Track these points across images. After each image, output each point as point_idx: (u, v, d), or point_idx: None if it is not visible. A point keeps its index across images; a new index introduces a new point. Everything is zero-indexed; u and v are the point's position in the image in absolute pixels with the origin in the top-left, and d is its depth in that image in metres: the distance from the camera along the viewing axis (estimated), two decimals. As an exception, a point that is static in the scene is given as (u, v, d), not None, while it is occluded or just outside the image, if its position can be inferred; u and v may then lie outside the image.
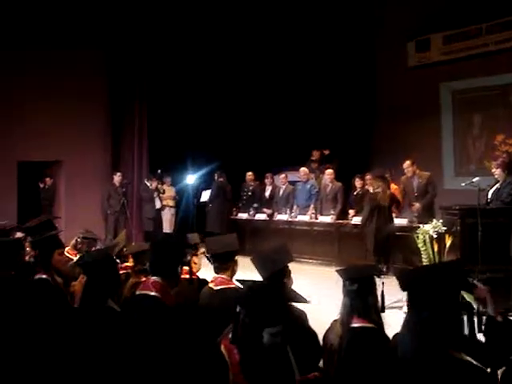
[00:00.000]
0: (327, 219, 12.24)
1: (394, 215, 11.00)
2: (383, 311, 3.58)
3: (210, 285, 4.77)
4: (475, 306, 3.18)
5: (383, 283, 3.66)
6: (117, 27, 14.28)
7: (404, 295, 7.37)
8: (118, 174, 14.16)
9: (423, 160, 12.10)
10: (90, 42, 14.05)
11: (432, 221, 8.43)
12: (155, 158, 14.91)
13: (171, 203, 15.06)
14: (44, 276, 4.56)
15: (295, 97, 15.57)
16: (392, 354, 3.08)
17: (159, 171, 14.83)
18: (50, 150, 13.79)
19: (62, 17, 13.37)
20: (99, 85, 14.57)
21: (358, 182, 12.30)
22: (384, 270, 10.13)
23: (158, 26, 14.36)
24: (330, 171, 12.69)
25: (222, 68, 15.44)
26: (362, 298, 3.57)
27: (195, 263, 5.09)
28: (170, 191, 15.08)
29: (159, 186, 14.72)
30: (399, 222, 10.88)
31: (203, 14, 14.64)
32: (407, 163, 10.86)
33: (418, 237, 8.35)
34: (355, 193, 12.34)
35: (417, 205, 10.78)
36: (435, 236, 8.17)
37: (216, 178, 14.33)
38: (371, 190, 10.94)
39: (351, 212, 12.05)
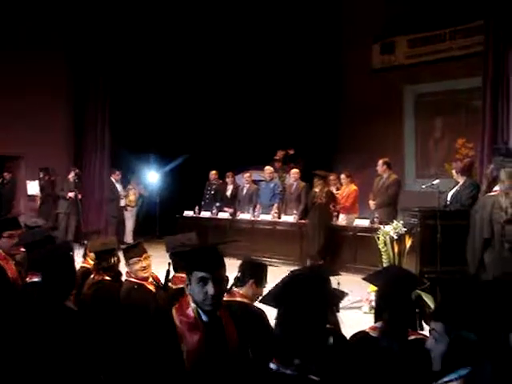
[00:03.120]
0: (290, 219, 12.28)
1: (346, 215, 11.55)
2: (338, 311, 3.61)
3: (170, 284, 4.79)
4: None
5: (339, 283, 3.71)
6: (78, 21, 14.22)
7: (363, 295, 7.54)
8: (77, 170, 14.08)
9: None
10: (51, 36, 13.97)
11: (393, 222, 8.53)
12: (117, 153, 14.80)
13: (133, 203, 15.00)
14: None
15: (260, 95, 15.62)
16: (352, 353, 3.16)
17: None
18: (9, 144, 13.59)
19: (22, 15, 13.30)
20: (62, 79, 14.52)
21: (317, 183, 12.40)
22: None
23: (120, 18, 14.24)
24: (295, 170, 12.72)
25: (185, 63, 15.42)
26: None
27: (144, 268, 5.00)
28: (134, 193, 15.02)
29: (129, 190, 14.70)
30: (361, 222, 11.06)
31: (168, 4, 14.58)
32: (380, 162, 11.03)
33: (378, 238, 8.46)
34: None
35: (370, 202, 11.04)
36: (396, 237, 8.27)
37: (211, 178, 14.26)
38: (315, 189, 11.39)
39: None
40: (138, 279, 4.96)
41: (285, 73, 15.44)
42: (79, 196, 13.99)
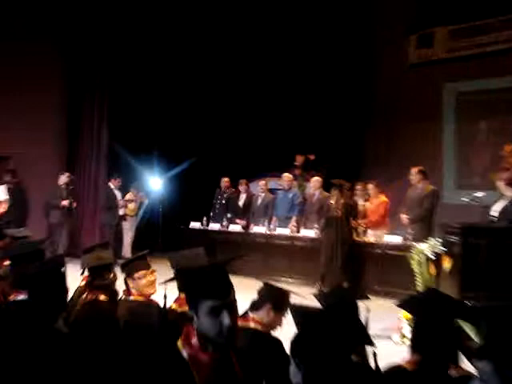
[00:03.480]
0: (311, 233, 12.23)
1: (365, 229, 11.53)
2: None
3: (174, 306, 4.76)
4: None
5: (368, 310, 3.66)
6: (73, 16, 14.41)
7: (391, 321, 7.48)
8: (66, 174, 14.11)
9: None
10: (45, 32, 14.14)
11: (429, 239, 8.45)
12: (116, 156, 14.87)
13: (133, 213, 15.02)
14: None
15: (278, 93, 15.66)
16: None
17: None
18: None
19: (16, 7, 13.45)
20: (55, 76, 14.66)
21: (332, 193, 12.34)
22: (321, 287, 10.75)
23: (120, 9, 14.43)
24: (316, 179, 12.66)
25: (193, 59, 15.53)
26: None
27: (151, 283, 4.96)
28: (134, 201, 15.05)
29: (130, 196, 14.72)
30: (391, 239, 10.97)
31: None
32: (413, 170, 10.96)
33: (412, 257, 8.38)
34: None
35: (402, 216, 10.96)
36: (432, 257, 8.19)
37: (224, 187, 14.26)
38: (330, 200, 11.30)
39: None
40: (143, 296, 4.93)
41: (307, 68, 15.46)
42: (74, 204, 14.02)
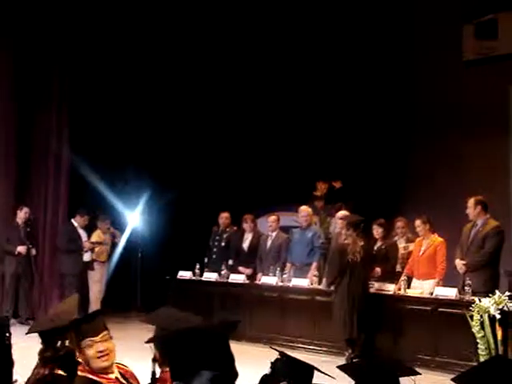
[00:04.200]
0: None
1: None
2: None
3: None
4: None
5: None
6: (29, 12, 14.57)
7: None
8: (25, 209, 14.12)
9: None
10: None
11: (493, 293, 8.39)
12: (80, 182, 14.86)
13: (103, 257, 14.96)
14: None
15: (293, 102, 15.70)
16: None
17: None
18: None
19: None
20: (2, 84, 14.77)
21: (376, 231, 12.31)
22: (352, 356, 10.91)
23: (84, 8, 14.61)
24: (343, 213, 12.64)
25: (185, 52, 15.68)
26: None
27: (101, 353, 4.86)
28: (105, 243, 15.02)
29: (99, 236, 14.72)
30: (444, 292, 10.89)
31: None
32: (471, 201, 10.93)
33: (472, 316, 8.31)
34: (376, 247, 12.36)
35: (458, 261, 10.92)
36: (498, 316, 8.13)
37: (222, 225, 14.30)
38: (343, 240, 11.49)
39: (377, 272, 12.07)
40: (92, 374, 4.82)
41: (330, 70, 15.50)
42: (33, 251, 13.98)
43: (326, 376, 4.26)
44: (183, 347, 2.95)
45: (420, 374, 3.88)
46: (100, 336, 4.78)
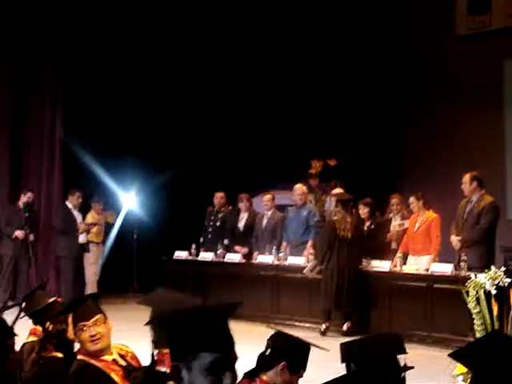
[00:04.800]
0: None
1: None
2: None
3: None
4: None
5: (405, 366, 3.60)
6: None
7: (442, 381, 7.43)
8: (29, 194, 14.10)
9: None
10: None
11: (489, 268, 8.38)
12: (73, 163, 14.84)
13: (98, 239, 14.93)
14: None
15: (286, 78, 15.66)
16: None
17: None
18: None
19: None
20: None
21: (362, 211, 12.35)
22: (345, 329, 11.29)
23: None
24: (338, 191, 12.65)
25: (182, 37, 15.56)
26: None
27: (93, 338, 4.88)
28: (100, 224, 14.96)
29: (93, 217, 14.67)
30: (440, 268, 10.91)
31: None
32: (466, 177, 10.91)
33: (467, 292, 8.30)
34: (366, 227, 12.39)
35: (453, 237, 10.94)
36: (494, 291, 8.11)
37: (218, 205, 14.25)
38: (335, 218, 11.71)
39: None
40: (89, 356, 4.84)
41: (322, 45, 15.44)
42: (31, 237, 13.97)
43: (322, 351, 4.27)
44: (183, 328, 2.94)
45: (406, 353, 3.88)
46: (92, 320, 4.80)
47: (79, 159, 14.71)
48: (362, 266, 11.78)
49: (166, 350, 4.31)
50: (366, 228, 12.39)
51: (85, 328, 4.78)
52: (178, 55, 15.61)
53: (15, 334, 4.39)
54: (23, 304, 5.83)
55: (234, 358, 2.91)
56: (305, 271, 12.04)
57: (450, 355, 3.42)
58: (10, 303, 11.54)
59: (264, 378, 4.13)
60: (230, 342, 2.91)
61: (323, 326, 11.39)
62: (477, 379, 3.21)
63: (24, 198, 14.01)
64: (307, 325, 11.95)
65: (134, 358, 5.01)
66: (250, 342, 3.00)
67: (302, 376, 4.21)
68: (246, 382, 3.99)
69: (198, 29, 15.57)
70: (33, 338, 5.67)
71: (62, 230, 14.30)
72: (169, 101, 15.65)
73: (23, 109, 15.09)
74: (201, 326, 2.90)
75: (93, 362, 4.77)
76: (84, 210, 14.61)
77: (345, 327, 11.37)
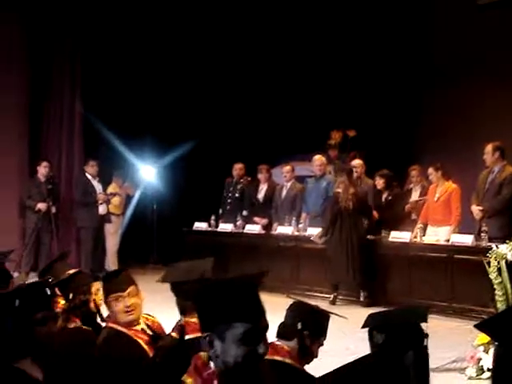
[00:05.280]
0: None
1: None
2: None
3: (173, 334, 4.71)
4: None
5: (427, 335, 3.58)
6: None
7: (465, 351, 7.42)
8: (45, 163, 14.16)
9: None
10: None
11: (511, 239, 8.33)
12: (94, 138, 14.87)
13: (118, 210, 14.98)
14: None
15: (304, 48, 15.57)
16: None
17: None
18: None
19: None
20: (14, 43, 14.79)
21: (378, 182, 12.33)
22: (362, 299, 11.52)
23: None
24: (357, 162, 12.63)
25: (193, 17, 15.53)
26: (395, 356, 3.50)
27: (128, 309, 4.91)
28: (119, 195, 15.00)
29: (114, 188, 14.72)
30: (460, 239, 10.86)
31: None
32: (488, 147, 10.85)
33: (489, 263, 8.26)
34: (383, 198, 12.37)
35: (474, 207, 10.92)
36: (516, 263, 8.07)
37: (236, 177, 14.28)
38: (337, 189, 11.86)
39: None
40: (120, 325, 4.88)
41: (340, 15, 15.32)
42: (53, 209, 14.05)
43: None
44: (213, 300, 2.95)
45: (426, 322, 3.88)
46: (127, 291, 4.88)
47: (98, 132, 14.75)
48: (372, 236, 11.90)
49: (193, 319, 4.35)
50: (383, 199, 12.37)
51: (120, 299, 4.85)
52: (196, 29, 15.52)
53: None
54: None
55: (266, 327, 2.92)
56: (313, 238, 12.15)
57: (475, 326, 3.40)
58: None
59: (285, 347, 4.17)
60: (260, 311, 2.92)
61: (331, 296, 11.60)
62: (501, 350, 3.19)
63: (41, 169, 14.07)
64: (327, 295, 11.97)
65: (160, 327, 5.07)
66: (269, 313, 2.98)
67: (322, 344, 4.30)
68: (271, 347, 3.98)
69: (220, 9, 15.52)
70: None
71: (81, 201, 14.37)
72: (188, 72, 15.59)
73: (43, 85, 15.15)
74: (232, 297, 2.91)
75: (123, 330, 4.84)
76: (104, 180, 14.65)
77: (362, 297, 11.55)
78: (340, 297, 11.87)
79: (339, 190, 11.77)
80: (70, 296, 5.16)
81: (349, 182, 11.74)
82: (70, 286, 5.27)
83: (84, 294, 5.24)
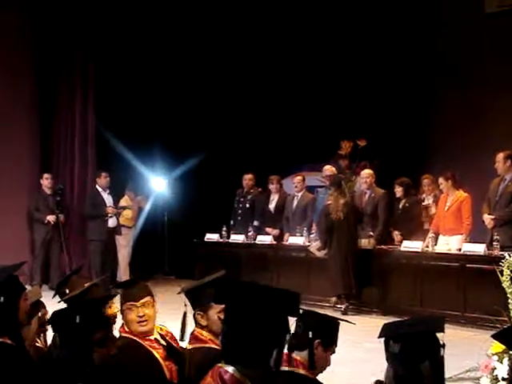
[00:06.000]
0: (363, 243, 12.21)
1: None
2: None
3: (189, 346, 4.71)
4: None
5: (443, 345, 3.56)
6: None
7: (479, 360, 7.37)
8: (46, 175, 14.25)
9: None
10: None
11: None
12: (106, 150, 14.90)
13: (130, 223, 14.97)
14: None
15: (315, 58, 15.55)
16: None
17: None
18: None
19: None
20: (23, 54, 14.81)
21: (398, 190, 12.28)
22: (343, 308, 11.68)
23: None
24: (367, 172, 12.59)
25: (207, 27, 15.51)
26: (410, 367, 3.48)
27: (141, 318, 4.91)
28: (131, 207, 15.00)
29: (126, 201, 14.73)
30: (472, 248, 10.82)
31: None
32: (500, 155, 10.84)
33: (502, 272, 8.22)
34: (400, 206, 12.33)
35: (486, 216, 10.90)
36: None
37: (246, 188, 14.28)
38: (328, 202, 12.19)
39: (396, 234, 12.16)
40: (133, 335, 4.86)
41: (351, 26, 15.31)
42: (61, 219, 14.07)
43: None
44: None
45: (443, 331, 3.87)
46: (141, 302, 4.84)
47: (110, 144, 14.77)
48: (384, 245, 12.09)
49: (205, 333, 4.40)
50: (400, 206, 12.32)
51: (133, 308, 4.81)
52: (206, 40, 15.55)
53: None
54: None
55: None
56: (311, 249, 12.41)
57: (492, 336, 3.41)
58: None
59: (298, 358, 4.16)
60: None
61: (343, 307, 11.73)
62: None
63: (44, 181, 14.20)
64: (339, 305, 11.95)
65: (173, 338, 5.04)
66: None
67: (334, 352, 4.31)
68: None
69: (224, 14, 15.54)
70: None
71: (90, 214, 14.37)
72: (198, 85, 15.61)
73: (53, 97, 15.20)
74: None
75: (138, 339, 4.81)
76: (115, 193, 14.65)
77: (343, 307, 11.74)
78: (351, 307, 11.86)
79: (329, 203, 12.03)
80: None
81: (338, 194, 11.98)
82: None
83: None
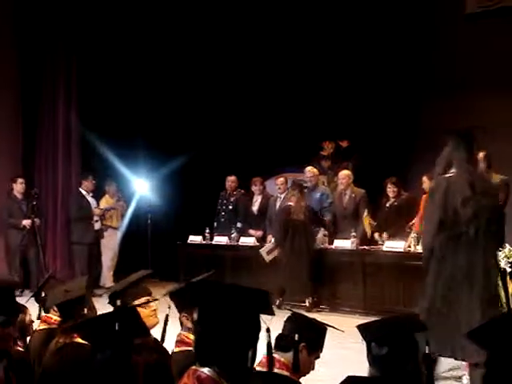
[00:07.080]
0: (346, 244, 12.20)
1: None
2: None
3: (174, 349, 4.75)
4: None
5: (428, 342, 3.60)
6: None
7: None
8: (20, 180, 14.19)
9: (494, 156, 12.03)
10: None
11: (504, 247, 8.35)
12: (88, 150, 14.91)
13: (115, 223, 14.95)
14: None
15: (297, 62, 15.55)
16: None
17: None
18: None
19: None
20: (5, 59, 14.80)
21: (390, 190, 12.31)
22: (308, 304, 11.96)
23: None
24: (344, 173, 12.68)
25: (192, 24, 15.53)
26: (395, 368, 3.52)
27: (154, 312, 4.99)
28: (115, 207, 14.99)
29: (107, 202, 14.71)
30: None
31: None
32: (480, 155, 10.88)
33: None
34: (388, 204, 12.36)
35: None
36: (509, 270, 8.09)
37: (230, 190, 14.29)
38: (289, 202, 12.43)
39: (383, 234, 12.20)
40: None
41: (332, 26, 15.31)
42: (37, 222, 14.03)
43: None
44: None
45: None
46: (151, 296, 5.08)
47: (91, 145, 14.76)
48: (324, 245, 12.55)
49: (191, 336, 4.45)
50: (388, 204, 12.39)
51: (148, 302, 4.99)
52: (191, 39, 15.54)
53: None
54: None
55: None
56: (261, 252, 12.63)
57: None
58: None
59: (282, 359, 4.18)
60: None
61: (277, 301, 11.79)
62: (491, 358, 3.22)
63: (18, 186, 14.11)
64: (323, 306, 12.02)
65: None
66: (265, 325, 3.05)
67: (319, 357, 4.34)
68: (262, 364, 4.01)
69: (211, 14, 15.54)
70: (44, 326, 5.73)
71: (77, 217, 14.28)
72: (181, 86, 15.61)
73: (36, 97, 15.15)
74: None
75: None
76: (97, 195, 14.64)
77: (307, 303, 12.00)
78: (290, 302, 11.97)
79: (291, 203, 12.29)
80: (81, 312, 5.15)
81: (300, 196, 12.26)
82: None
83: (91, 310, 5.29)
